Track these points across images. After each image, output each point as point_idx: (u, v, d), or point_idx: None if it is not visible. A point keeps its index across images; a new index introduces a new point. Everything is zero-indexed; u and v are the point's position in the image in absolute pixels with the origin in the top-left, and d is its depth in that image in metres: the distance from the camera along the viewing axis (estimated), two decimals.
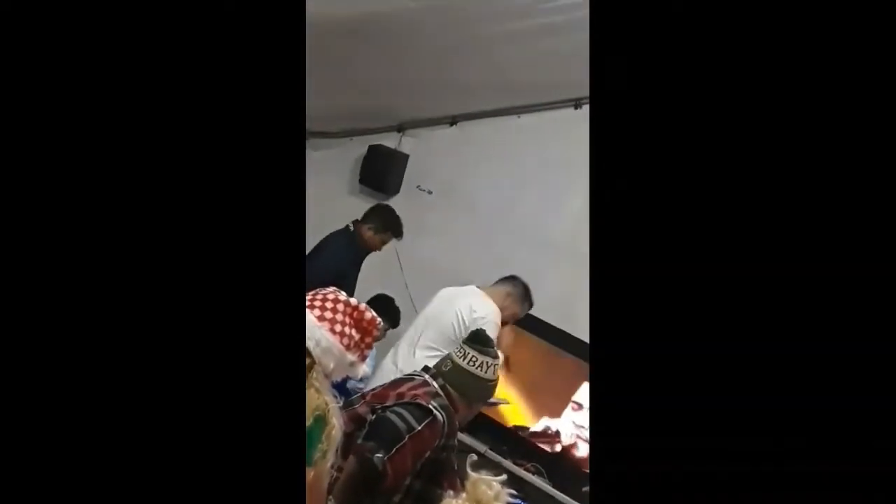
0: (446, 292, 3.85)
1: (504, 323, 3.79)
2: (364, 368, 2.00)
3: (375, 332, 1.97)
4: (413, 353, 3.62)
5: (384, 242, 4.43)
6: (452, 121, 4.83)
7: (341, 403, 2.11)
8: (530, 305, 3.89)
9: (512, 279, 3.88)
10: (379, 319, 1.99)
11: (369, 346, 1.97)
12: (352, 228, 4.39)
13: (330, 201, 4.67)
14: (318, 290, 1.94)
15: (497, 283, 3.87)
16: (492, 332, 3.48)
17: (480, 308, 3.67)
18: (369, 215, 4.44)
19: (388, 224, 4.41)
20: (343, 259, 4.17)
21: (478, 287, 3.82)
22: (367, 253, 4.41)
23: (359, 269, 4.42)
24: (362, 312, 1.93)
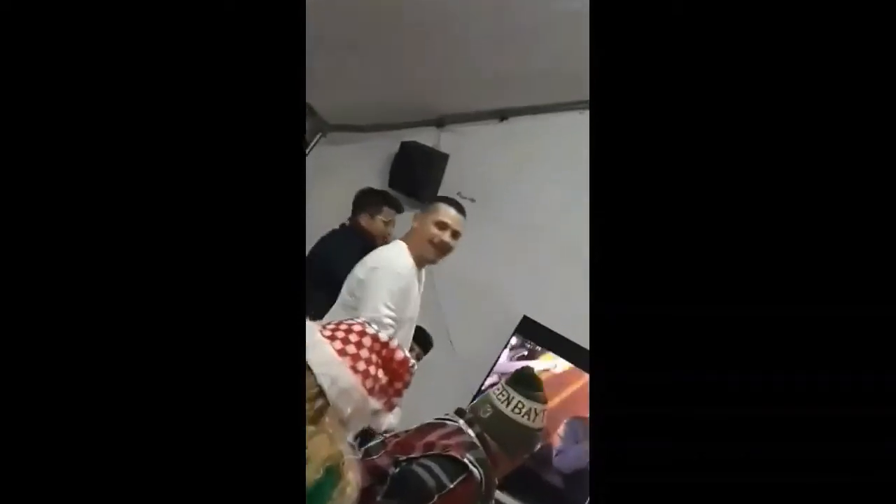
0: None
1: (431, 261, 3.26)
2: (390, 419, 1.90)
3: (407, 377, 1.82)
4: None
5: (388, 224, 4.16)
6: (502, 116, 4.64)
7: (360, 455, 2.03)
8: (440, 226, 3.23)
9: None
10: (413, 362, 1.84)
11: (399, 393, 1.82)
12: (347, 224, 4.19)
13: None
14: (342, 319, 1.80)
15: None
16: (387, 282, 3.11)
17: (372, 257, 3.21)
18: (357, 204, 4.21)
19: (380, 200, 4.20)
20: (342, 258, 3.71)
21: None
22: (374, 245, 4.04)
23: None
24: (393, 351, 1.78)
